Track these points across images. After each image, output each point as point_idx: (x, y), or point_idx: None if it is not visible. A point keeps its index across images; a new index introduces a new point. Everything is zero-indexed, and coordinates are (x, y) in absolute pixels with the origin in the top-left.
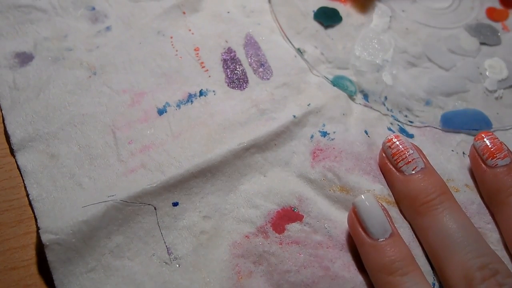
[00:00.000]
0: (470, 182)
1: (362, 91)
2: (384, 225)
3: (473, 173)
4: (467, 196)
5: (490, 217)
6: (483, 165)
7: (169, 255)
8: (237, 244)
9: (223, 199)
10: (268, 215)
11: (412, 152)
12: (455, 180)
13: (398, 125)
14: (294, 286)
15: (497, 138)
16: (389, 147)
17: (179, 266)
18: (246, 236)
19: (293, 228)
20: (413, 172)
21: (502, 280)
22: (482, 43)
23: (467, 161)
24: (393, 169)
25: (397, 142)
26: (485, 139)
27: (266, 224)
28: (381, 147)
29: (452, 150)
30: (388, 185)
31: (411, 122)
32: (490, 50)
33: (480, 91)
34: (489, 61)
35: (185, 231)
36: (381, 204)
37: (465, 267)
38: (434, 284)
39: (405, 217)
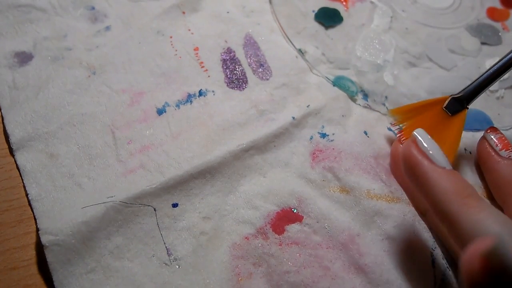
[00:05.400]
0: (471, 179)
1: (362, 91)
2: (444, 156)
3: (480, 165)
4: None
5: None
6: (495, 155)
7: (168, 256)
8: (237, 245)
9: (223, 200)
10: (268, 216)
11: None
12: None
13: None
14: (294, 286)
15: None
16: (492, 134)
17: (178, 267)
18: (246, 238)
19: (292, 229)
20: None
21: None
22: (483, 43)
23: (468, 157)
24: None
25: (499, 132)
26: (497, 132)
27: (266, 225)
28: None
29: None
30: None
31: None
32: (491, 50)
33: None
34: (490, 61)
35: (184, 232)
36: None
37: None
38: (435, 248)
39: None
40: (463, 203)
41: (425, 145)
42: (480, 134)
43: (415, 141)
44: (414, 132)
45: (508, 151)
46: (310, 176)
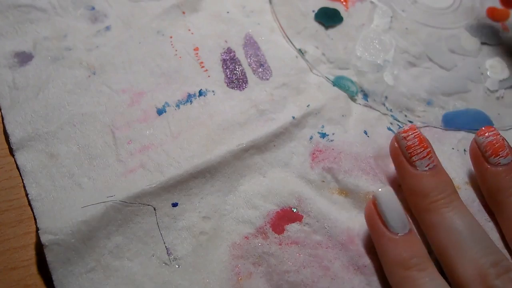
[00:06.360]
0: (471, 180)
1: (362, 91)
2: (404, 220)
3: (474, 169)
4: (468, 194)
5: (491, 215)
6: (485, 162)
7: (168, 255)
8: (237, 245)
9: (223, 199)
10: (268, 216)
11: (427, 147)
12: (455, 178)
13: (398, 125)
14: (294, 286)
15: (499, 133)
16: (404, 138)
17: (178, 266)
18: (246, 237)
19: (292, 228)
20: (426, 168)
21: None
22: (483, 43)
23: (467, 158)
24: (406, 162)
25: (413, 135)
26: (488, 135)
27: (266, 225)
28: (394, 137)
29: (453, 148)
30: (398, 177)
31: (411, 122)
32: (491, 50)
33: (481, 91)
34: (490, 61)
35: (184, 232)
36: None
37: (478, 265)
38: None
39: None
40: (405, 276)
41: (383, 208)
42: None
43: (374, 202)
44: (376, 193)
45: (498, 157)
46: (309, 177)
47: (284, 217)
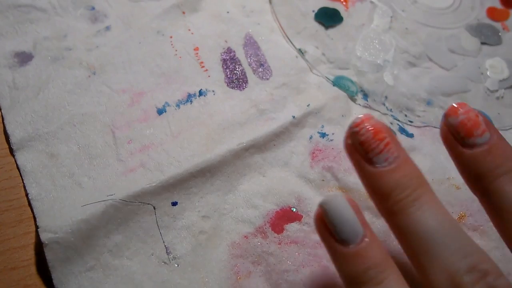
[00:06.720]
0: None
1: (362, 91)
2: (355, 229)
3: (449, 154)
4: (468, 194)
5: None
6: (459, 146)
7: (167, 254)
8: (236, 244)
9: (222, 199)
10: (267, 215)
11: (384, 137)
12: (455, 177)
13: (398, 124)
14: (293, 285)
15: (472, 109)
16: (357, 133)
17: (177, 265)
18: (245, 236)
19: (292, 228)
20: (386, 163)
21: (494, 281)
22: (483, 43)
23: None
24: (362, 160)
25: (366, 128)
26: (459, 114)
27: (265, 224)
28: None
29: None
30: (358, 177)
31: (411, 121)
32: (491, 50)
33: (481, 91)
34: (490, 61)
35: (184, 231)
36: (352, 200)
37: (451, 271)
38: None
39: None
40: None
41: (330, 218)
42: None
43: (321, 213)
44: (321, 201)
45: (473, 137)
46: (309, 176)
47: (284, 217)
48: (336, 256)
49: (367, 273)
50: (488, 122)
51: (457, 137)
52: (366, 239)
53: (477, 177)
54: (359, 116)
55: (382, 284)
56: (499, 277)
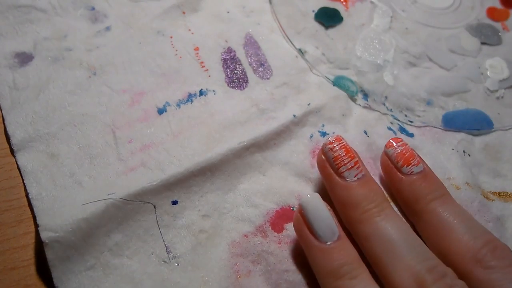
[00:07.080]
0: (471, 180)
1: (362, 91)
2: (332, 228)
3: (387, 181)
4: (468, 194)
5: (491, 215)
6: (398, 173)
7: (168, 253)
8: (236, 243)
9: (222, 198)
10: (267, 214)
11: (354, 157)
12: (455, 178)
13: (398, 124)
14: (293, 285)
15: (407, 144)
16: (331, 150)
17: (177, 264)
18: (245, 235)
19: (292, 227)
20: (355, 178)
21: (451, 281)
22: (483, 43)
23: (467, 159)
24: (334, 174)
25: (339, 146)
26: (396, 146)
27: (265, 223)
28: (322, 149)
29: (453, 149)
30: (327, 189)
31: (411, 121)
32: (491, 50)
33: (481, 91)
34: (490, 61)
35: (184, 230)
36: (327, 205)
37: (414, 271)
38: None
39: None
40: (337, 285)
41: (309, 216)
42: (478, 134)
43: (301, 211)
44: (302, 201)
45: (410, 166)
46: (309, 175)
47: (284, 216)
48: (313, 252)
49: (343, 268)
50: (419, 155)
51: (397, 165)
52: (341, 238)
53: (414, 200)
54: (331, 137)
55: (356, 279)
56: (455, 279)
